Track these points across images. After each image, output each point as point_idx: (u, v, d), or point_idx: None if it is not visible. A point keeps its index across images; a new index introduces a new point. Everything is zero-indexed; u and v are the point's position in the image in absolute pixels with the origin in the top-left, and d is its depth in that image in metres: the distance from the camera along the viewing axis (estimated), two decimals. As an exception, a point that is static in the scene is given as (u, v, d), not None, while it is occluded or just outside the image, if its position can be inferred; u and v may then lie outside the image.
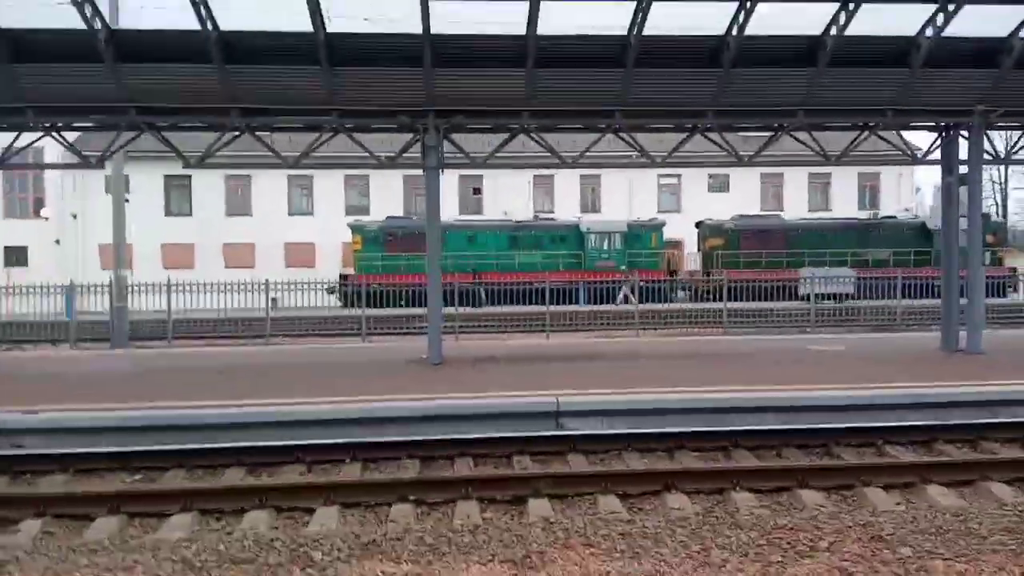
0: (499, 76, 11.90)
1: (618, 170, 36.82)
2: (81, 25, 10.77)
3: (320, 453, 7.65)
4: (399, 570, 4.64)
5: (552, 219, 34.73)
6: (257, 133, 12.77)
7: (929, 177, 58.26)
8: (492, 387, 9.95)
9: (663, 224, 33.55)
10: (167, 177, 37.06)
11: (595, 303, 27.60)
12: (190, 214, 38.14)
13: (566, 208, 39.39)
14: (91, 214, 36.02)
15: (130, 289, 20.13)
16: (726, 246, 32.43)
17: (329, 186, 38.37)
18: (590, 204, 40.32)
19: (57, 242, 36.62)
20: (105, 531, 5.80)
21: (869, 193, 41.19)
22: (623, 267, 31.13)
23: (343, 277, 29.99)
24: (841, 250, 31.62)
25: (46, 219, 31.99)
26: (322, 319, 23.49)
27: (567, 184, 39.47)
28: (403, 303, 24.31)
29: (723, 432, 8.10)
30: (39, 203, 38.05)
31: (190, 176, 36.58)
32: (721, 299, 22.53)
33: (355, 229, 32.18)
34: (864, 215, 37.45)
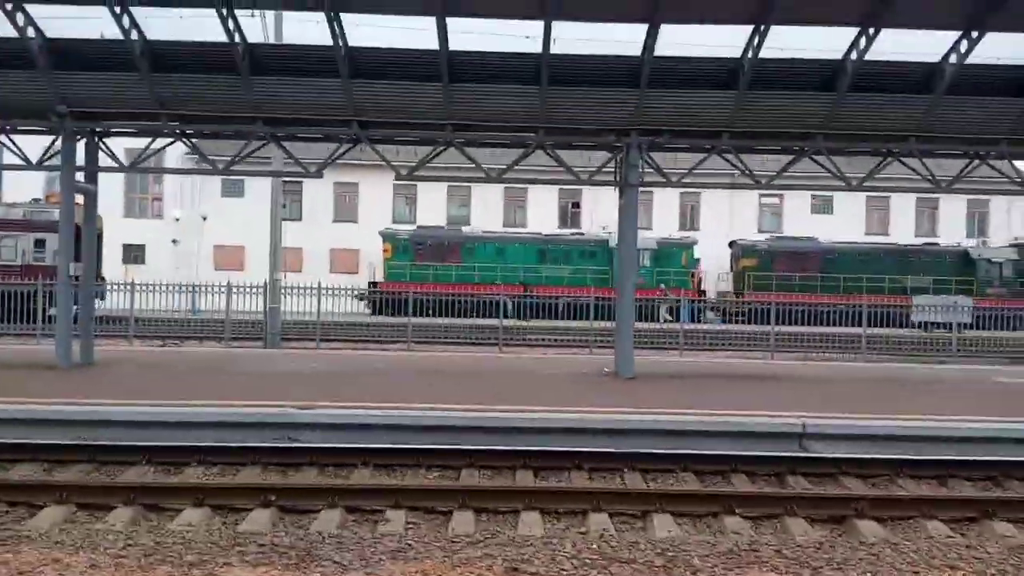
0: (706, 98, 12.10)
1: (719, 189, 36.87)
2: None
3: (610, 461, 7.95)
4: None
5: (581, 234, 34.43)
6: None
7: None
8: (712, 405, 10.10)
9: (694, 243, 33.22)
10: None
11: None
12: (300, 219, 39.19)
13: (666, 225, 39.39)
14: (208, 216, 37.50)
15: (282, 291, 20.83)
16: (759, 267, 31.98)
17: (436, 198, 39.11)
18: (688, 222, 40.25)
19: (175, 242, 38.06)
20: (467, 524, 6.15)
21: (978, 220, 40.26)
22: (660, 285, 30.63)
23: (372, 284, 30.26)
24: (879, 275, 30.82)
25: (177, 220, 33.28)
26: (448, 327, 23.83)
27: (666, 201, 39.47)
28: (431, 312, 23.52)
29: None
30: (156, 204, 39.70)
31: (301, 183, 37.76)
32: (753, 320, 22.41)
33: (386, 237, 32.33)
34: (971, 242, 36.57)
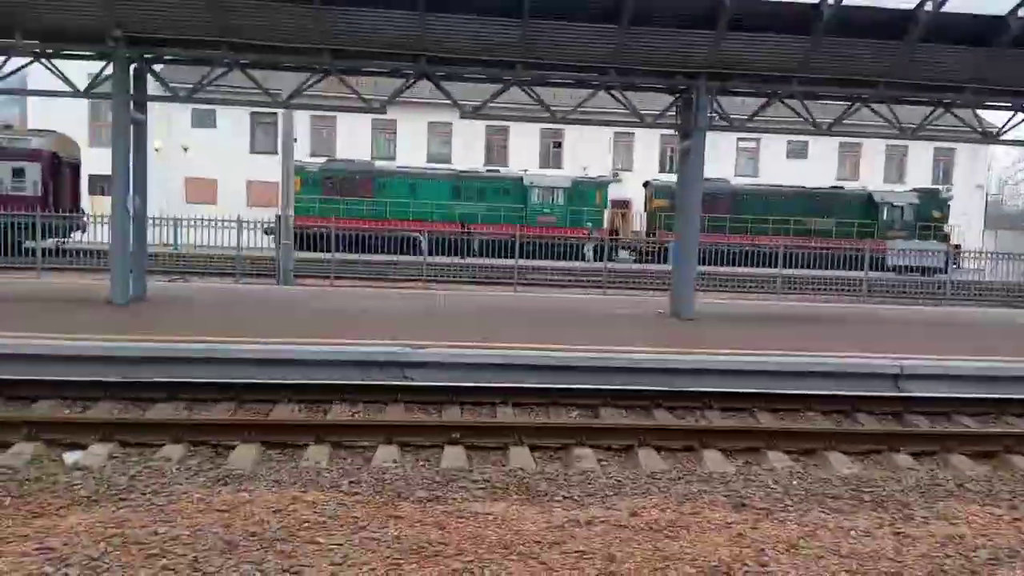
0: (780, 43, 12.13)
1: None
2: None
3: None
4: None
5: (496, 171, 34.10)
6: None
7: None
8: (794, 346, 10.46)
9: (609, 182, 33.48)
10: (254, 115, 37.13)
11: (537, 258, 26.71)
12: (275, 152, 38.01)
13: (642, 167, 39.67)
14: (175, 148, 36.12)
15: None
16: (671, 208, 32.18)
17: (412, 129, 38.33)
18: (667, 163, 40.53)
19: (142, 174, 36.57)
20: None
21: (943, 167, 41.58)
22: (587, 224, 31.29)
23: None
24: (784, 217, 31.66)
25: (157, 150, 31.87)
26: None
27: (647, 143, 39.67)
28: (344, 248, 23.44)
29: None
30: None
31: (276, 114, 36.60)
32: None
33: (296, 171, 30.88)
34: (929, 187, 37.62)
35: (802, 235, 29.95)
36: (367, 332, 10.28)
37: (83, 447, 6.18)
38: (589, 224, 31.55)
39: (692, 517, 5.18)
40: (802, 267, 23.60)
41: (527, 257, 25.59)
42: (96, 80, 12.16)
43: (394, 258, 23.99)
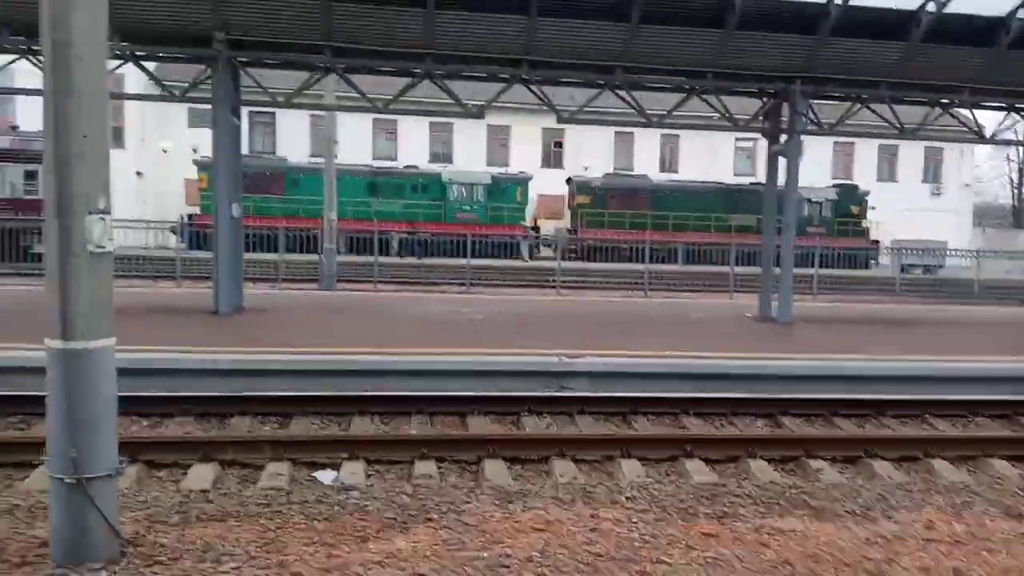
0: (877, 48, 12.33)
1: (699, 132, 37.40)
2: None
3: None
4: None
5: (415, 167, 33.23)
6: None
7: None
8: (907, 350, 10.68)
9: (529, 178, 33.17)
10: (252, 113, 36.44)
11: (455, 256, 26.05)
12: (273, 152, 37.45)
13: (643, 166, 39.86)
14: (175, 148, 35.27)
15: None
16: (592, 204, 32.36)
17: (410, 127, 37.90)
18: (668, 163, 40.85)
19: (139, 174, 35.71)
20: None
21: (933, 167, 42.60)
22: (522, 222, 31.28)
23: (188, 217, 27.96)
24: (705, 214, 31.94)
25: (165, 151, 31.05)
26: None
27: (648, 143, 39.89)
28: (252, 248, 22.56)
29: None
30: (117, 133, 36.94)
31: (274, 113, 36.06)
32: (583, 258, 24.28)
33: (201, 166, 29.44)
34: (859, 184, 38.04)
35: (722, 232, 30.29)
36: (487, 340, 10.24)
37: (329, 466, 6.04)
38: (523, 222, 31.23)
39: (980, 527, 5.29)
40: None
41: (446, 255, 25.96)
42: (194, 83, 11.84)
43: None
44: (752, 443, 6.79)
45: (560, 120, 12.93)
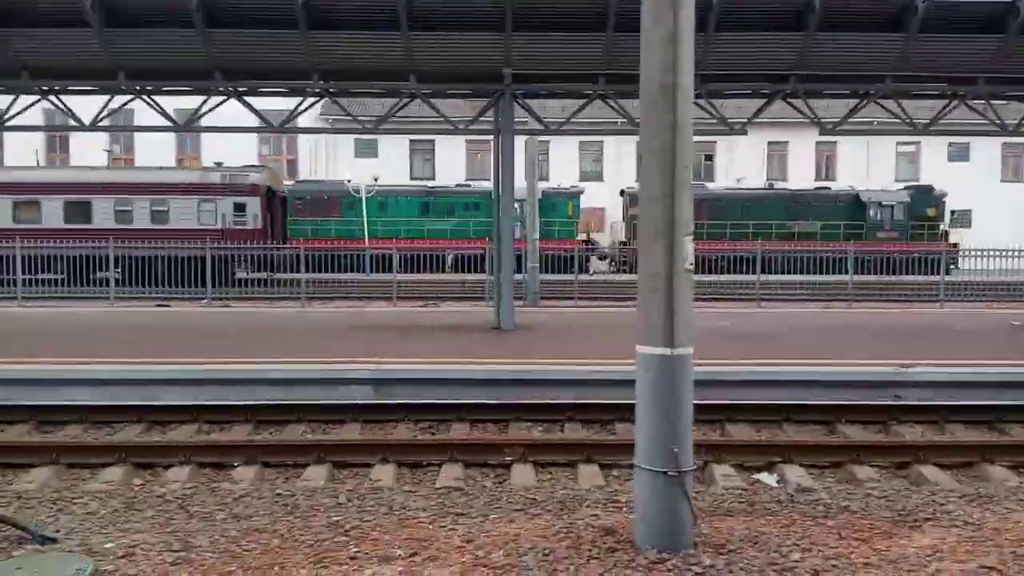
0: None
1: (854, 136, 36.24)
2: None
3: None
4: None
5: (467, 186, 33.14)
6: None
7: None
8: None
9: (580, 192, 32.45)
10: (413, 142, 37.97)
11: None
12: (432, 178, 38.80)
13: (800, 175, 39.09)
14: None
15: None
16: None
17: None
18: (824, 171, 39.99)
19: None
20: None
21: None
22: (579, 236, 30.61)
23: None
24: (766, 222, 30.39)
25: (348, 181, 32.90)
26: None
27: (803, 150, 39.17)
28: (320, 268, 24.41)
29: None
30: (292, 165, 39.31)
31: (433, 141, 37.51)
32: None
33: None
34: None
35: (785, 239, 28.57)
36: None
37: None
38: (575, 236, 30.71)
39: None
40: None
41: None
42: (476, 116, 12.69)
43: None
44: None
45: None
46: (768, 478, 6.24)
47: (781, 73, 12.38)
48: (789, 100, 13.21)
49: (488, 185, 32.60)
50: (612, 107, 12.93)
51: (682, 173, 4.45)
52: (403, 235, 28.34)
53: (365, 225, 29.54)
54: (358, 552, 4.60)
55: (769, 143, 38.72)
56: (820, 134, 13.90)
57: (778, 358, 10.03)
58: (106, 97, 12.89)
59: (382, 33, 11.26)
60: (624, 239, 32.64)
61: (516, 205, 14.89)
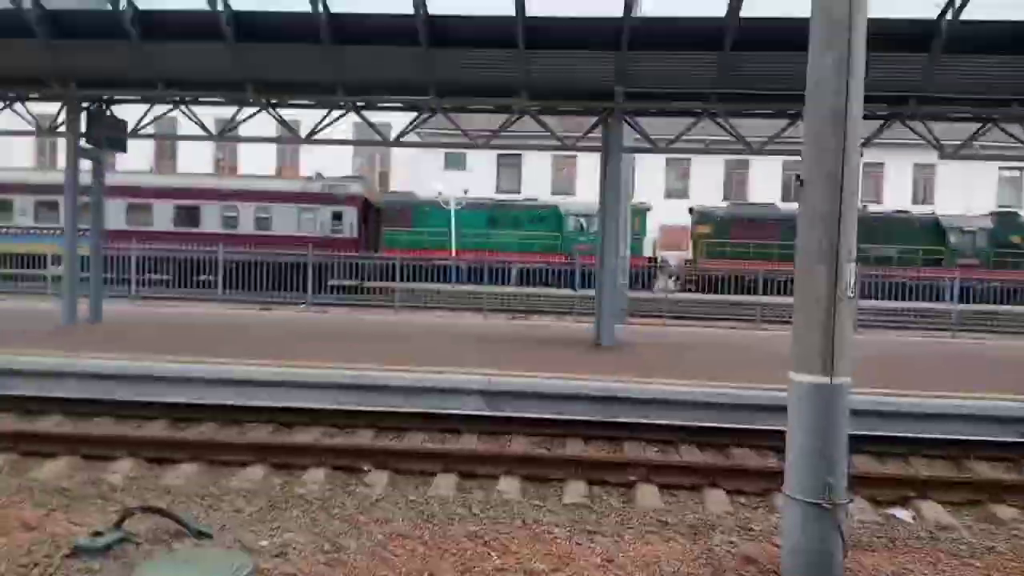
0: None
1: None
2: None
3: None
4: None
5: (533, 199, 32.79)
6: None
7: None
8: None
9: (648, 208, 31.31)
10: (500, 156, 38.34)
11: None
12: (517, 191, 39.03)
13: (895, 198, 37.81)
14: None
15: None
16: (714, 234, 30.45)
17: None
18: (922, 195, 38.60)
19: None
20: None
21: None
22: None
23: None
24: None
25: (439, 193, 33.60)
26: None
27: (897, 171, 37.94)
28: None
29: None
30: (383, 177, 40.24)
31: (519, 155, 37.71)
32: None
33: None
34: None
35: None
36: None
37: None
38: (641, 252, 29.82)
39: None
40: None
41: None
42: (585, 132, 12.77)
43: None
44: None
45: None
46: (903, 514, 6.04)
47: (901, 95, 12.07)
48: (907, 123, 12.83)
49: (555, 199, 33.49)
50: (722, 126, 12.79)
51: (849, 198, 4.40)
52: (471, 247, 29.22)
53: (452, 237, 29.99)
54: (503, 565, 4.66)
55: (864, 164, 37.61)
56: (940, 158, 13.40)
57: (895, 388, 9.70)
58: (233, 108, 13.56)
59: (499, 51, 11.47)
60: (691, 257, 32.32)
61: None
